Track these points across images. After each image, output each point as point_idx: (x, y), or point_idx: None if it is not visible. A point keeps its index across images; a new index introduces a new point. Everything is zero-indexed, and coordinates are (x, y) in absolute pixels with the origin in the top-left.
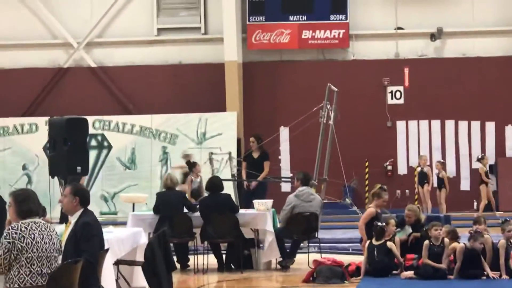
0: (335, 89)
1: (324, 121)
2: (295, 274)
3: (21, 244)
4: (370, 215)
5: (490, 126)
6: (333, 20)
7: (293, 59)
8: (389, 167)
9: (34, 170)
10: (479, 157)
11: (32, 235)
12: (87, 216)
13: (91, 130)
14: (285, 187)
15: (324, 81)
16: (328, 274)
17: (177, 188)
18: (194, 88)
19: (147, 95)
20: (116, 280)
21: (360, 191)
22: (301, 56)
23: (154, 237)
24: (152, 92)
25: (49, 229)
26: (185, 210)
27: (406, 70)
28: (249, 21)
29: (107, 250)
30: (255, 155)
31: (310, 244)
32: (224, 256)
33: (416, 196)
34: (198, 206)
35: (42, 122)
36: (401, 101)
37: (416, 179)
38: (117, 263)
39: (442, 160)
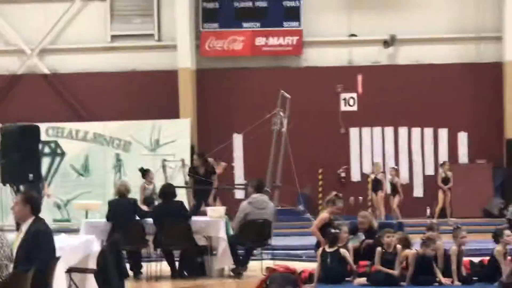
0: (288, 96)
1: (277, 128)
2: (248, 281)
3: None
4: (323, 220)
5: (443, 133)
6: (287, 27)
7: (247, 66)
8: (343, 174)
9: None
10: (441, 163)
11: None
12: (39, 224)
13: (44, 137)
14: (239, 194)
15: (277, 88)
16: (281, 281)
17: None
18: (148, 95)
19: (100, 102)
20: None
21: (314, 198)
22: (254, 63)
23: (106, 244)
24: (106, 99)
25: (0, 237)
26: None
27: (359, 77)
28: (202, 28)
29: (59, 258)
30: (201, 171)
31: (263, 251)
32: (177, 263)
33: (369, 203)
34: (151, 213)
35: None
36: (355, 108)
37: (369, 186)
38: (69, 270)
39: (395, 167)
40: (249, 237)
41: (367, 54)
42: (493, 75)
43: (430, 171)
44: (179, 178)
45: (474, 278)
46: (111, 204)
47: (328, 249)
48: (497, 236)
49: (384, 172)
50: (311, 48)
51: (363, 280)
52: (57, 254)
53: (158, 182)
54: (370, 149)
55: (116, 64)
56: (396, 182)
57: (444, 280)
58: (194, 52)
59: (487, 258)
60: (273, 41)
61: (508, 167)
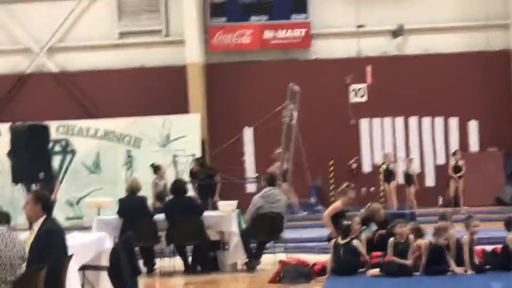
0: (298, 88)
1: (287, 121)
2: (261, 275)
3: None
4: (335, 209)
5: (454, 122)
6: (294, 19)
7: (255, 59)
8: (354, 165)
9: None
10: (452, 152)
11: None
12: (50, 223)
13: (54, 136)
14: (250, 188)
15: (286, 81)
16: (294, 274)
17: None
18: (157, 91)
19: (110, 99)
20: (82, 286)
21: (325, 190)
22: (263, 56)
23: (119, 241)
24: (115, 95)
25: (13, 237)
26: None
27: (369, 68)
28: (210, 23)
29: (72, 256)
30: (200, 175)
31: (275, 245)
32: (190, 258)
33: (381, 193)
34: (162, 209)
35: (5, 128)
36: (364, 99)
37: (381, 176)
38: (82, 268)
39: (411, 157)
40: (262, 231)
41: (375, 44)
42: (502, 63)
43: (441, 160)
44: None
45: (487, 266)
46: (121, 202)
47: (340, 241)
48: (509, 224)
49: (395, 162)
50: (319, 40)
51: (376, 271)
52: (70, 252)
53: (170, 178)
54: (380, 140)
55: (124, 60)
56: (412, 172)
57: (457, 270)
58: (202, 47)
59: (500, 246)
60: (281, 34)
61: None
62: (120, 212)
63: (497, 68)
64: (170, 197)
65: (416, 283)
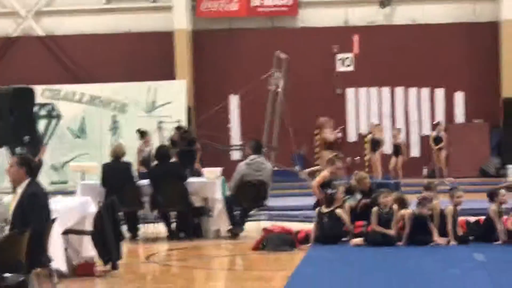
0: (284, 56)
1: (273, 89)
2: (245, 242)
3: None
4: (323, 178)
5: (440, 93)
6: None
7: (243, 27)
8: (339, 134)
9: None
10: (435, 123)
11: None
12: (34, 186)
13: (40, 100)
14: (235, 155)
15: (273, 48)
16: (277, 242)
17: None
18: (144, 57)
19: (96, 64)
20: (65, 250)
21: (310, 159)
22: (250, 24)
23: (103, 206)
24: (102, 61)
25: None
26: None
27: (356, 38)
28: None
29: (55, 220)
30: (180, 144)
31: (259, 212)
32: (173, 224)
33: (366, 163)
34: (147, 175)
35: None
36: (351, 68)
37: (367, 146)
38: (66, 232)
39: (398, 127)
40: (246, 198)
41: (363, 14)
42: (490, 34)
43: (426, 131)
44: None
45: (470, 237)
46: (105, 167)
47: (324, 210)
48: (492, 196)
49: (381, 132)
50: (306, 9)
51: (359, 240)
52: (53, 215)
53: (155, 144)
54: (366, 110)
55: (112, 25)
56: (400, 143)
57: (440, 240)
58: (190, 13)
59: (483, 217)
60: (268, 1)
61: (504, 126)
62: (103, 178)
63: (485, 40)
64: (154, 163)
65: (399, 253)
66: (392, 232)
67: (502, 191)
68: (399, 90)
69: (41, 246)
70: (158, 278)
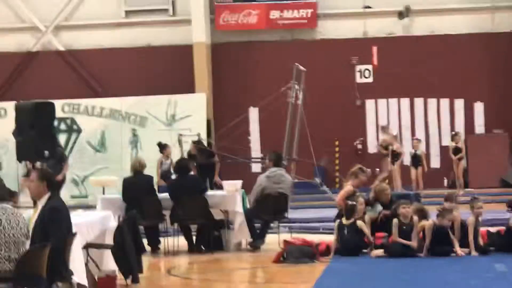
0: (303, 69)
1: (293, 101)
2: (265, 254)
3: None
4: (347, 193)
5: (459, 104)
6: (301, 0)
7: (262, 39)
8: (359, 146)
9: (4, 155)
10: (452, 134)
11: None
12: (54, 201)
13: (60, 114)
14: (256, 167)
15: (292, 61)
16: (298, 254)
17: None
18: (163, 70)
19: (116, 77)
20: (86, 264)
21: (331, 171)
22: (269, 36)
23: (123, 220)
24: (121, 74)
25: (17, 214)
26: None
27: (375, 49)
28: (217, 2)
29: (75, 234)
30: (199, 158)
31: (280, 225)
32: (194, 237)
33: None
34: (167, 188)
35: (11, 107)
36: (370, 79)
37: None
38: (86, 246)
39: (419, 138)
40: (266, 211)
41: (382, 25)
42: (508, 44)
43: (446, 141)
44: None
45: (491, 248)
46: (125, 181)
47: (345, 221)
48: None
49: (400, 143)
50: (325, 21)
51: (380, 251)
52: (74, 230)
53: (174, 157)
54: (386, 121)
55: (131, 39)
56: (421, 154)
57: (461, 251)
58: (208, 26)
59: (504, 228)
60: (287, 14)
61: None
62: (124, 192)
63: (503, 50)
64: (174, 176)
65: (420, 264)
66: (413, 243)
67: None
68: (418, 101)
69: (62, 260)
70: None
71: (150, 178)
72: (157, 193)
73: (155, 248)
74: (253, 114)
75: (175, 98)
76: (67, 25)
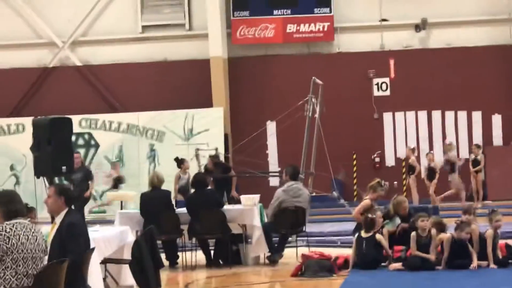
0: (320, 82)
1: (310, 115)
2: (284, 268)
3: (7, 246)
4: (365, 207)
5: (477, 116)
6: (318, 13)
7: (278, 53)
8: (377, 159)
9: (22, 170)
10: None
11: (17, 236)
12: (72, 216)
13: (77, 129)
14: (273, 181)
15: (309, 74)
16: (316, 268)
17: None
18: (180, 85)
19: (133, 92)
20: (104, 279)
21: (348, 184)
22: (286, 50)
23: (141, 235)
24: (138, 89)
25: (34, 230)
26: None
27: (392, 62)
28: (233, 16)
29: (93, 249)
30: (215, 172)
31: (298, 238)
32: (212, 252)
33: (404, 188)
34: (185, 203)
35: (28, 122)
36: (387, 92)
37: (405, 170)
38: (104, 261)
39: (432, 151)
40: (284, 225)
41: (398, 38)
42: None
43: (464, 154)
44: None
45: (510, 261)
46: (143, 196)
47: (363, 235)
48: None
49: (418, 156)
50: (342, 34)
51: (398, 265)
52: (92, 245)
53: (192, 172)
54: (404, 134)
55: (147, 54)
56: (435, 166)
57: (480, 264)
58: (225, 41)
59: None
60: (304, 27)
61: None
62: (142, 207)
63: None
64: (192, 190)
65: (438, 277)
66: (431, 256)
67: None
68: (436, 114)
69: (80, 275)
70: None
71: (167, 193)
72: (175, 207)
73: (173, 263)
74: (271, 128)
75: (192, 113)
76: (84, 41)
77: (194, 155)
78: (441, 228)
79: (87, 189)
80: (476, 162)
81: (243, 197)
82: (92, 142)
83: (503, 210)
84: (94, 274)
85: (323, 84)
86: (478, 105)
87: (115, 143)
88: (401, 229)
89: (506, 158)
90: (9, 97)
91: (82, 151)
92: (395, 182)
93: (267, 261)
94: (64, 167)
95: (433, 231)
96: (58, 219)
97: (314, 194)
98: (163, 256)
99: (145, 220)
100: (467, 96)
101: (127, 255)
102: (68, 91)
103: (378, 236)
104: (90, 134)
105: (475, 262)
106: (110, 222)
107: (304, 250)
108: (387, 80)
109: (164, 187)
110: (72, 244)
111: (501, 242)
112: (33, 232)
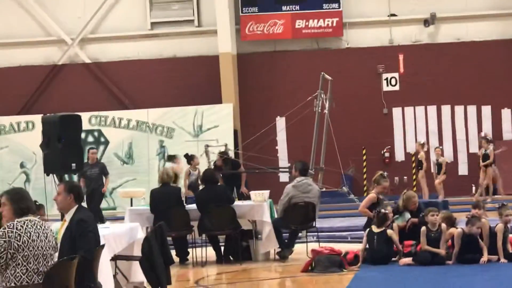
0: (329, 78)
1: (319, 110)
2: (294, 264)
3: (18, 243)
4: (370, 201)
5: (486, 110)
6: (326, 8)
7: (287, 49)
8: (387, 154)
9: (32, 168)
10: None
11: (28, 233)
12: (82, 213)
13: (87, 126)
14: (283, 177)
15: (318, 70)
16: (327, 263)
17: None
18: (190, 81)
19: (142, 89)
20: (114, 276)
21: (358, 179)
22: (295, 45)
23: (151, 231)
24: (148, 86)
25: (45, 227)
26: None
27: (401, 57)
28: (242, 13)
29: (103, 246)
30: (224, 169)
31: (308, 234)
32: (222, 248)
33: (414, 183)
34: (195, 199)
35: (38, 119)
36: (397, 87)
37: (414, 165)
38: (115, 258)
39: (440, 147)
40: (294, 220)
41: (407, 33)
42: None
43: (474, 148)
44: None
45: None
46: (153, 193)
47: (375, 230)
48: None
49: (427, 151)
50: (351, 29)
51: (408, 260)
52: (102, 242)
53: (202, 168)
54: (413, 129)
55: (157, 51)
56: (442, 161)
57: (490, 258)
58: (234, 37)
59: None
60: (313, 23)
61: None
62: (152, 204)
63: None
64: (201, 186)
65: (449, 272)
66: (441, 251)
67: None
68: (445, 108)
69: (90, 272)
70: None
71: (177, 189)
72: (184, 204)
73: (183, 259)
74: (280, 123)
75: (201, 109)
76: (93, 38)
77: (203, 152)
78: (451, 222)
79: (103, 185)
80: (485, 157)
81: (253, 193)
82: (102, 139)
83: None
84: (104, 271)
85: (332, 79)
86: (487, 100)
87: (125, 140)
88: (411, 224)
89: None
90: (18, 94)
91: None
92: (405, 177)
93: (277, 256)
94: (73, 164)
95: (443, 225)
96: (68, 216)
97: (324, 189)
98: (173, 252)
99: (155, 217)
100: (477, 91)
101: (137, 251)
102: (78, 89)
103: (389, 231)
104: (99, 131)
105: (485, 257)
106: (121, 218)
107: (314, 245)
108: (396, 75)
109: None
110: (82, 241)
111: (511, 236)
112: (43, 230)
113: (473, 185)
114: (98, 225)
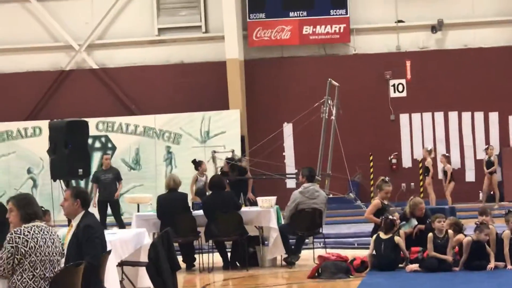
0: (336, 84)
1: (326, 117)
2: (301, 270)
3: (25, 249)
4: (375, 207)
5: (494, 117)
6: (334, 15)
7: (295, 55)
8: (394, 161)
9: (39, 174)
10: (485, 147)
11: (35, 239)
12: (88, 219)
13: (94, 132)
14: (290, 183)
15: (325, 76)
16: (333, 270)
17: None
18: (197, 87)
19: (149, 95)
20: (121, 281)
21: (365, 185)
22: (302, 52)
23: (158, 237)
24: (155, 92)
25: (51, 233)
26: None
27: (408, 63)
28: (249, 18)
29: (110, 251)
30: (231, 175)
31: (315, 240)
32: (229, 254)
33: (421, 189)
34: (202, 205)
35: (45, 125)
36: (404, 94)
37: (421, 171)
38: (121, 264)
39: (446, 154)
40: (301, 226)
41: (415, 39)
42: None
43: (481, 155)
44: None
45: None
46: (160, 199)
47: (382, 236)
48: None
49: (435, 157)
50: (358, 35)
51: (415, 266)
52: (109, 247)
53: (210, 174)
54: (420, 135)
55: (164, 57)
56: (448, 169)
57: (497, 265)
58: (241, 43)
59: None
60: (320, 29)
61: None
62: (159, 210)
63: None
64: (208, 192)
65: (456, 279)
66: (449, 258)
67: None
68: (452, 115)
69: (97, 278)
70: None
71: (184, 195)
72: (191, 210)
73: (190, 265)
74: (287, 129)
75: (209, 115)
76: (101, 44)
77: (210, 158)
78: (458, 228)
79: (116, 190)
80: (490, 163)
81: (259, 199)
82: (109, 145)
83: None
84: (111, 276)
85: (339, 85)
86: (494, 106)
87: (132, 146)
88: (418, 230)
89: None
90: (25, 100)
91: (99, 154)
92: (412, 184)
93: (284, 263)
94: (80, 170)
95: (450, 232)
96: (75, 222)
97: (330, 195)
98: (180, 258)
99: (161, 223)
100: (484, 97)
101: (143, 257)
102: (85, 94)
103: (396, 238)
104: (106, 137)
105: (492, 263)
106: (127, 224)
107: (321, 251)
108: (403, 81)
109: (180, 189)
110: (89, 246)
111: None
112: (50, 235)
113: (480, 191)
114: (105, 231)
